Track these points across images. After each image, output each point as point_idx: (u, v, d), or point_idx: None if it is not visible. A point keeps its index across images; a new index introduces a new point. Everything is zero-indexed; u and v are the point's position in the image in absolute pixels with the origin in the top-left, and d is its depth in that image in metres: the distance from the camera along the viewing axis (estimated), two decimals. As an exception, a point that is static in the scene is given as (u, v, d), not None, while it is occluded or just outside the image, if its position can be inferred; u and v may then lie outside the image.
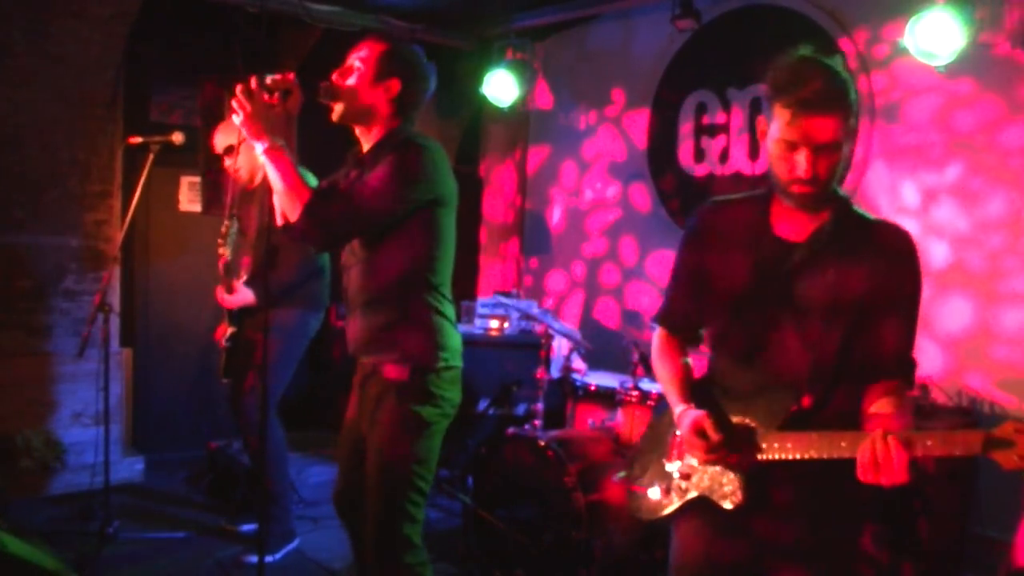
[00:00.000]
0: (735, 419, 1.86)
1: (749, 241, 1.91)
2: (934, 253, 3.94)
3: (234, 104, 2.26)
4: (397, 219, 2.32)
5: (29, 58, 4.34)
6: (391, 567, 2.37)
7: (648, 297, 5.29)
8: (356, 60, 2.42)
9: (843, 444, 1.68)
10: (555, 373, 4.11)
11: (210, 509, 4.36)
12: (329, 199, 2.27)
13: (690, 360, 2.09)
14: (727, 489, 1.85)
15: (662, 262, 5.21)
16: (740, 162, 4.82)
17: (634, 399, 3.58)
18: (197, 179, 5.03)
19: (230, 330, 3.83)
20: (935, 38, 3.61)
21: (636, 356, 3.69)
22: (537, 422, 3.79)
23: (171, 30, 5.15)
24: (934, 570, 3.49)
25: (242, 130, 2.27)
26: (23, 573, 2.77)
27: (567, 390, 4.07)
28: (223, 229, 3.68)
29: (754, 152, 4.74)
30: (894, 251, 1.83)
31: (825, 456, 1.70)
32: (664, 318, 2.12)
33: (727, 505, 1.84)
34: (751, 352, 1.91)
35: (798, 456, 1.74)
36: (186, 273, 5.25)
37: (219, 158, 3.95)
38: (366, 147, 2.45)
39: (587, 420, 3.99)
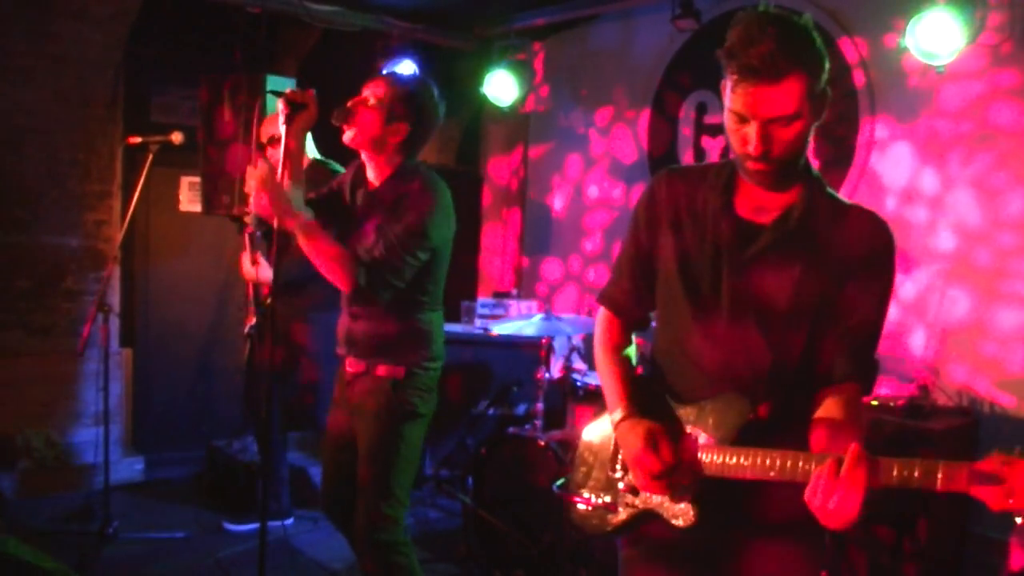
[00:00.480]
0: (687, 429, 1.65)
1: (708, 218, 1.68)
2: (943, 245, 3.94)
3: (254, 191, 2.38)
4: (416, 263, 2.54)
5: (29, 58, 4.34)
6: (376, 546, 2.54)
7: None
8: (372, 96, 2.53)
9: (810, 468, 1.46)
10: (555, 373, 4.11)
11: (210, 509, 4.36)
12: (369, 270, 2.43)
13: (636, 342, 1.90)
14: (679, 507, 1.64)
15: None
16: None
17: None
18: (197, 179, 5.04)
19: (254, 320, 3.83)
20: (935, 38, 3.61)
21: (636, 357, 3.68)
22: (537, 422, 3.79)
23: (171, 30, 5.15)
24: (934, 571, 3.49)
25: (274, 222, 2.39)
26: (23, 573, 2.77)
27: (567, 390, 4.07)
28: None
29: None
30: (868, 244, 1.61)
31: (787, 480, 1.48)
32: (608, 298, 1.89)
33: (679, 523, 1.64)
34: (704, 348, 1.68)
35: (755, 477, 1.53)
36: (186, 273, 5.25)
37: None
38: (371, 172, 2.62)
39: (587, 420, 3.98)
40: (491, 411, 4.41)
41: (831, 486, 1.38)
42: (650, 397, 1.74)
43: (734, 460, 1.56)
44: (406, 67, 5.19)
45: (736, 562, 1.70)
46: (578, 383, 3.98)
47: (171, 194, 5.23)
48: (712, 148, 4.95)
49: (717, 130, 4.92)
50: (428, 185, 2.53)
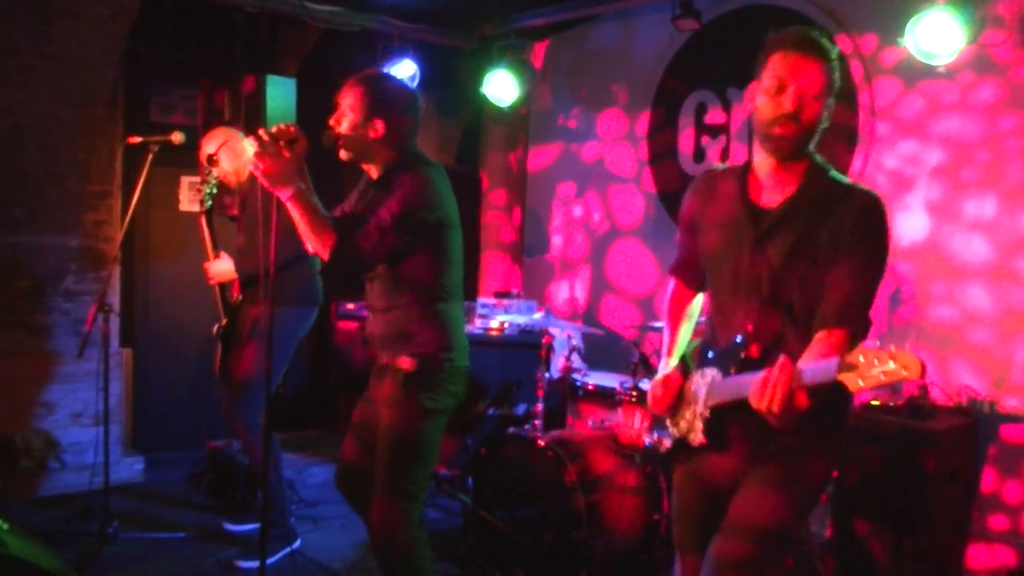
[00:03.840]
0: (702, 372, 2.12)
1: (727, 206, 2.12)
2: (942, 242, 3.94)
3: (252, 158, 2.39)
4: (411, 244, 2.56)
5: (29, 58, 4.34)
6: (390, 538, 2.63)
7: (649, 296, 5.28)
8: (345, 105, 2.61)
9: None
10: (555, 373, 4.11)
11: (210, 509, 4.36)
12: (351, 242, 2.47)
13: (699, 298, 2.38)
14: (695, 432, 2.13)
15: (662, 261, 5.21)
16: (740, 162, 4.81)
17: (634, 399, 3.58)
18: (197, 179, 5.04)
19: (224, 321, 3.82)
20: (935, 38, 3.61)
21: (636, 356, 3.69)
22: (537, 422, 3.79)
23: (171, 30, 5.15)
24: (934, 570, 3.49)
25: (266, 181, 2.41)
26: (23, 573, 2.77)
27: (567, 390, 4.07)
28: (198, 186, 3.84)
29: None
30: (859, 209, 1.95)
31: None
32: (673, 268, 2.42)
33: (695, 443, 2.12)
34: (723, 305, 2.14)
35: (737, 399, 1.92)
36: (186, 273, 5.23)
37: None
38: (373, 173, 2.69)
39: (587, 420, 3.99)
40: (491, 411, 4.42)
41: (762, 387, 1.80)
42: (700, 349, 2.22)
43: (728, 392, 2.00)
44: (406, 67, 5.19)
45: (734, 468, 2.11)
46: (578, 383, 3.99)
47: (171, 194, 5.23)
48: (712, 148, 4.95)
49: (717, 130, 4.92)
50: (416, 171, 2.57)
